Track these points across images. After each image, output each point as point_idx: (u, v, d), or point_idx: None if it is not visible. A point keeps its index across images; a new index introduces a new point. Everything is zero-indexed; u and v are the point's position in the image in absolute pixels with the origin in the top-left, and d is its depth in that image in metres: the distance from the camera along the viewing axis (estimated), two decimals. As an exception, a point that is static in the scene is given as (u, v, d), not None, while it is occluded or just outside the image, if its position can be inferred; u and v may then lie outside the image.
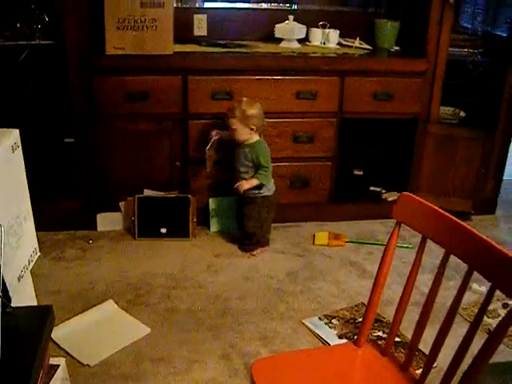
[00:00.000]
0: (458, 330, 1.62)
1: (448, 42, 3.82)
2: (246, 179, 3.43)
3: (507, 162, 4.23)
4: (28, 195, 1.89)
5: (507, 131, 4.06)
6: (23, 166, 1.84)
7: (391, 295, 3.00)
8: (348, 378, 1.85)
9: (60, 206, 3.66)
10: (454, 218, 1.68)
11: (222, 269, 3.37)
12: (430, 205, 1.76)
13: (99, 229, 3.72)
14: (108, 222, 3.72)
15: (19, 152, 1.80)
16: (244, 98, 3.39)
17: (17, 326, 1.44)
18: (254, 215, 3.50)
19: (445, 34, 3.79)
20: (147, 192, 3.65)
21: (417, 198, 1.79)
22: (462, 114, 4.18)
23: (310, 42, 3.97)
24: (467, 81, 4.13)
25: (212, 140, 3.51)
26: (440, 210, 1.73)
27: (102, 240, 3.63)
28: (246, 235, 3.57)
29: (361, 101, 3.72)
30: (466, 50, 4.07)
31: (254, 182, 3.42)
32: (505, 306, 3.21)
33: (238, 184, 3.44)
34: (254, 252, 3.56)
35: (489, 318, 3.11)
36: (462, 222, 1.66)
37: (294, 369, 1.86)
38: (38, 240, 1.95)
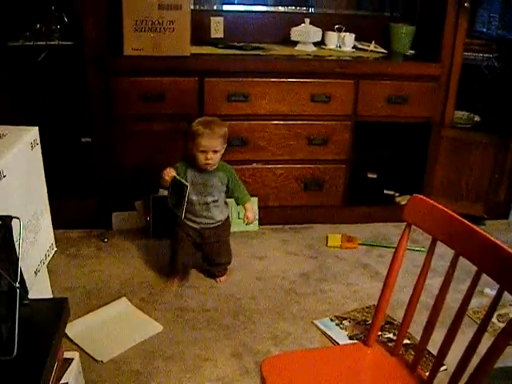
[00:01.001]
0: (469, 334, 1.63)
1: (463, 46, 3.83)
2: (218, 207, 3.14)
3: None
4: (46, 191, 1.93)
5: (521, 136, 4.07)
6: (41, 163, 1.88)
7: (403, 298, 3.00)
8: (357, 377, 1.87)
9: (76, 205, 3.70)
10: (463, 219, 1.70)
11: (234, 269, 3.40)
12: (441, 207, 1.77)
13: (114, 227, 3.76)
14: (123, 220, 3.77)
15: (38, 149, 1.84)
16: (201, 119, 3.06)
17: (33, 318, 1.47)
18: (228, 239, 3.31)
19: (460, 38, 3.80)
20: (162, 192, 3.68)
21: (427, 199, 1.81)
22: (477, 118, 4.19)
23: (325, 45, 4.00)
24: (482, 85, 4.14)
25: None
26: (450, 212, 1.75)
27: (116, 238, 3.67)
28: (224, 265, 3.32)
29: (375, 104, 3.74)
30: (481, 54, 4.07)
31: (253, 205, 3.34)
32: (516, 310, 3.22)
33: (249, 220, 3.17)
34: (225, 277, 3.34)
35: (500, 321, 3.11)
36: (472, 224, 1.68)
37: (303, 367, 1.88)
38: (53, 237, 1.99)
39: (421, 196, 1.83)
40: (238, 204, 3.22)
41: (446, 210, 1.76)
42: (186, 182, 3.01)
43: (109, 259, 3.45)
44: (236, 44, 3.86)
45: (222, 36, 3.99)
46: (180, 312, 2.99)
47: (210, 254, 3.24)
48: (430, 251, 1.79)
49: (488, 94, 4.19)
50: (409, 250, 3.21)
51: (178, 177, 3.02)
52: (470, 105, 4.21)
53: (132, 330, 2.83)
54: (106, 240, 3.62)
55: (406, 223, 1.86)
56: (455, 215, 1.73)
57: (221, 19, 3.98)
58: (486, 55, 4.08)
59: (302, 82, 3.61)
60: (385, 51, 4.02)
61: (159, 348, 2.72)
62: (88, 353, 2.63)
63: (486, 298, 3.11)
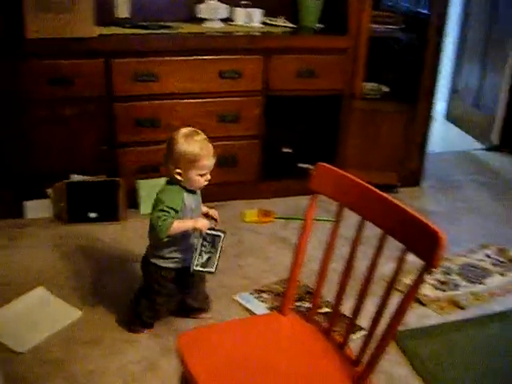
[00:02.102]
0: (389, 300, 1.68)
1: (369, 19, 3.89)
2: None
3: (431, 135, 4.36)
4: None
5: (428, 104, 4.17)
6: None
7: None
8: (273, 345, 1.89)
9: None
10: (367, 185, 1.74)
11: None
12: (345, 174, 1.81)
13: (28, 216, 3.67)
14: (37, 209, 3.68)
15: None
16: (188, 141, 2.41)
17: None
18: None
19: (366, 11, 3.86)
20: (75, 177, 3.61)
21: (332, 167, 1.84)
22: (385, 89, 4.27)
23: (233, 21, 3.98)
24: (390, 57, 4.22)
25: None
26: (354, 178, 1.78)
27: (31, 227, 3.58)
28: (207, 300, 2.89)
29: (285, 79, 3.76)
30: (388, 26, 4.14)
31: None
32: (431, 272, 3.31)
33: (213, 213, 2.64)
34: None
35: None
36: (376, 189, 1.71)
37: (220, 339, 1.89)
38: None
39: (326, 164, 1.86)
40: None
41: (350, 176, 1.79)
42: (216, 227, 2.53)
43: (23, 249, 3.36)
44: (143, 23, 3.80)
45: (128, 16, 3.92)
46: (99, 297, 2.95)
47: (197, 294, 2.79)
48: (337, 218, 1.82)
49: (395, 65, 4.27)
50: (326, 220, 3.26)
51: (212, 226, 2.51)
52: (378, 76, 4.29)
53: (51, 318, 2.78)
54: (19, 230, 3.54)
55: (323, 196, 1.88)
56: (359, 181, 1.77)
57: (126, -3, 3.91)
58: (393, 27, 4.15)
59: (211, 59, 3.60)
60: (293, 26, 4.04)
61: (80, 334, 2.68)
62: (7, 345, 2.57)
63: (405, 263, 3.19)
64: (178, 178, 2.42)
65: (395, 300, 1.63)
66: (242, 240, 3.51)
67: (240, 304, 2.93)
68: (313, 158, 4.20)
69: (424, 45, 4.05)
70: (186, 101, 3.63)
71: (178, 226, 2.39)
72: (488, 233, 3.85)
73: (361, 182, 1.75)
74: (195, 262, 2.47)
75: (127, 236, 3.52)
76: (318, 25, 4.09)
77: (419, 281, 1.55)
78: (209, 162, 2.45)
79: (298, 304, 2.89)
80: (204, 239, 2.46)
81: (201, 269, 2.50)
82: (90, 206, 3.63)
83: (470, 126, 5.70)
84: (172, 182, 2.46)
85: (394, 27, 4.14)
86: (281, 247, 3.45)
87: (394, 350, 2.71)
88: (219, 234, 2.48)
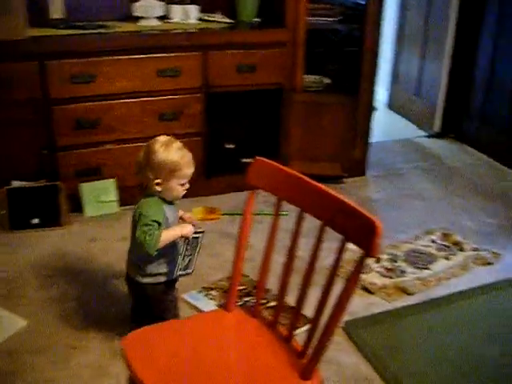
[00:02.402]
0: (335, 289, 1.68)
1: (306, 11, 3.90)
2: None
3: (374, 125, 4.40)
4: None
5: (369, 94, 4.20)
6: None
7: (270, 263, 3.05)
8: (219, 341, 1.89)
9: None
10: (304, 177, 1.74)
11: (97, 253, 3.33)
12: (282, 167, 1.81)
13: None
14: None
15: None
16: (167, 150, 2.32)
17: None
18: None
19: (302, 4, 3.87)
20: (15, 183, 3.54)
21: (269, 161, 1.84)
22: (327, 80, 4.29)
23: (169, 19, 3.94)
24: (331, 49, 4.24)
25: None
26: (291, 171, 1.78)
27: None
28: None
29: (225, 74, 3.75)
30: (326, 18, 4.16)
31: None
32: (377, 260, 3.34)
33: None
34: None
35: (364, 273, 3.23)
36: (312, 180, 1.72)
37: (166, 339, 1.88)
38: None
39: (262, 159, 1.86)
40: None
41: (287, 169, 1.79)
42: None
43: (-36, 258, 3.29)
44: (78, 23, 3.73)
45: (62, 16, 3.85)
46: (45, 304, 2.90)
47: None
48: (276, 211, 1.82)
49: (336, 57, 4.30)
50: (267, 214, 3.24)
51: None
52: (320, 68, 4.31)
53: (-7, 329, 2.72)
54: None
55: (251, 187, 1.88)
56: (296, 174, 1.77)
57: (60, -1, 3.85)
58: (331, 19, 4.17)
59: (148, 57, 3.57)
60: (231, 21, 4.03)
61: (25, 343, 2.63)
62: None
63: (349, 252, 3.21)
64: (158, 188, 2.33)
65: (340, 290, 1.63)
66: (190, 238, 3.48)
67: (188, 303, 2.91)
68: (256, 152, 4.20)
69: (363, 35, 4.08)
70: (125, 101, 3.59)
71: (166, 237, 2.30)
72: (432, 218, 3.91)
73: (298, 174, 1.75)
74: (179, 266, 2.43)
75: (71, 240, 3.47)
76: (255, 19, 4.08)
77: (359, 269, 1.56)
78: (189, 170, 2.38)
79: (246, 299, 2.89)
80: (188, 244, 2.41)
81: (182, 272, 2.46)
82: (32, 212, 3.56)
83: (412, 114, 5.77)
84: (148, 193, 2.37)
85: (332, 19, 4.16)
86: (228, 243, 3.44)
87: (343, 340, 2.73)
88: (200, 235, 2.43)
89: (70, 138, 3.54)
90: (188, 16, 3.92)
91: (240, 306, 2.82)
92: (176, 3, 3.95)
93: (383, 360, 2.64)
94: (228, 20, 4.02)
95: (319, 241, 1.69)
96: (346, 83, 4.26)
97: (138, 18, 3.83)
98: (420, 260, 3.39)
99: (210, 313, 2.06)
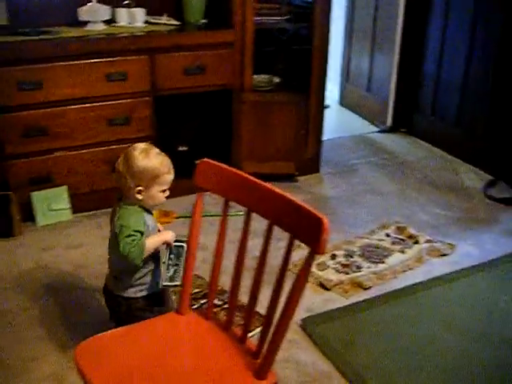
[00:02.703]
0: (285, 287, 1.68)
1: (253, 11, 3.90)
2: None
3: (326, 122, 4.43)
4: None
5: (320, 92, 4.22)
6: None
7: (226, 264, 3.04)
8: (173, 346, 1.88)
9: None
10: (250, 177, 1.74)
11: (51, 262, 3.29)
12: (228, 168, 1.80)
13: None
14: None
15: None
16: (147, 157, 2.28)
17: None
18: None
19: (249, 4, 3.86)
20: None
21: (214, 162, 1.83)
22: (277, 79, 4.30)
23: (116, 22, 3.91)
24: (281, 48, 4.24)
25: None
26: (237, 171, 1.78)
27: None
28: None
29: (173, 77, 3.73)
30: (274, 18, 4.16)
31: None
32: (332, 256, 3.36)
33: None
34: None
35: (319, 270, 3.24)
36: (258, 180, 1.71)
37: (119, 346, 1.86)
38: None
39: (208, 160, 1.86)
40: None
41: (233, 170, 1.79)
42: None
43: None
44: (23, 30, 3.67)
45: (6, 23, 3.77)
46: (-1, 316, 2.86)
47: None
48: (224, 213, 1.82)
49: (286, 56, 4.30)
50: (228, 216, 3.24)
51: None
52: (270, 67, 4.31)
53: None
54: None
55: (199, 189, 1.88)
56: (242, 174, 1.77)
57: (3, 4, 3.76)
58: (279, 18, 4.17)
59: (95, 62, 3.52)
60: (178, 23, 4.00)
61: (-21, 360, 2.59)
62: None
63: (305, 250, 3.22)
64: (139, 196, 2.26)
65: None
66: (144, 243, 3.46)
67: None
68: (209, 154, 4.19)
69: (311, 34, 4.10)
70: (73, 107, 3.54)
71: (150, 245, 2.23)
72: (387, 212, 3.95)
73: (243, 174, 1.75)
74: (164, 277, 2.32)
75: (25, 250, 3.41)
76: (202, 20, 4.07)
77: (307, 266, 1.56)
78: (170, 175, 2.31)
79: (203, 302, 2.87)
80: (171, 252, 2.32)
81: (169, 283, 2.32)
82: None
83: (364, 110, 5.82)
84: (128, 203, 2.30)
85: (280, 18, 4.17)
86: (183, 246, 3.43)
87: (300, 337, 2.74)
88: (183, 244, 2.31)
89: (18, 146, 3.48)
90: (134, 19, 3.89)
91: (196, 308, 2.82)
92: (122, 7, 3.91)
93: (342, 355, 2.65)
94: (175, 22, 4.00)
95: (268, 240, 1.69)
96: (297, 81, 4.28)
97: (84, 23, 3.78)
98: (375, 254, 3.42)
99: (163, 317, 2.03)
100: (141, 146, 2.30)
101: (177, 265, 2.31)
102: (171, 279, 2.30)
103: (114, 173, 2.32)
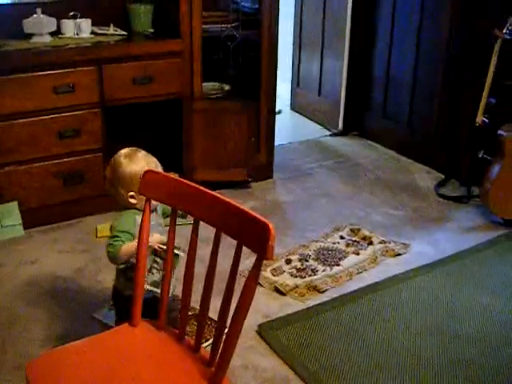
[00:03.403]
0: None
1: (200, 20, 3.90)
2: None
3: (278, 127, 4.45)
4: None
5: (270, 97, 4.24)
6: None
7: (178, 273, 3.03)
8: (126, 359, 1.85)
9: None
10: (196, 185, 1.74)
11: (4, 278, 3.23)
12: (173, 176, 1.80)
13: None
14: None
15: None
16: (126, 151, 2.39)
17: None
18: None
19: (196, 12, 3.86)
20: None
21: (158, 172, 1.83)
22: (227, 87, 4.30)
23: (62, 34, 3.86)
24: (228, 55, 4.25)
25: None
26: (182, 180, 1.78)
27: None
28: None
29: (123, 87, 3.70)
30: (223, 25, 4.17)
31: None
32: (288, 261, 3.37)
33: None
34: None
35: (274, 275, 3.25)
36: (204, 188, 1.72)
37: (72, 362, 1.83)
38: None
39: (153, 170, 1.86)
40: None
41: (178, 179, 1.79)
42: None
43: None
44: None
45: None
46: None
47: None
48: (172, 223, 1.82)
49: (234, 63, 4.31)
50: (179, 225, 3.23)
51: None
52: (219, 75, 4.31)
53: None
54: None
55: (146, 198, 1.87)
56: (188, 182, 1.77)
57: None
58: (227, 26, 4.18)
59: (42, 75, 3.47)
60: (125, 33, 3.97)
61: None
62: None
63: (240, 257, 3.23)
64: (133, 201, 2.30)
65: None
66: (98, 256, 3.41)
67: (99, 321, 2.86)
68: (161, 164, 4.18)
69: (260, 40, 4.12)
70: (21, 120, 3.48)
71: (127, 247, 2.23)
72: (341, 215, 3.98)
73: (188, 182, 1.75)
74: (147, 280, 2.26)
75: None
76: (150, 30, 4.05)
77: (255, 273, 1.56)
78: None
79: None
80: (155, 255, 2.30)
81: (152, 288, 2.28)
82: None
83: (315, 114, 5.85)
84: (125, 207, 2.34)
85: (228, 25, 4.17)
86: (138, 257, 3.40)
87: (257, 343, 2.74)
88: (179, 252, 2.27)
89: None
90: (81, 30, 3.85)
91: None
92: (68, 18, 3.87)
93: (300, 359, 2.66)
94: (122, 32, 3.97)
95: (216, 247, 1.69)
96: (247, 88, 4.29)
97: (29, 35, 3.74)
98: (330, 257, 3.44)
99: (115, 330, 2.02)
100: (124, 151, 2.35)
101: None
102: (156, 285, 2.29)
103: (104, 181, 2.37)
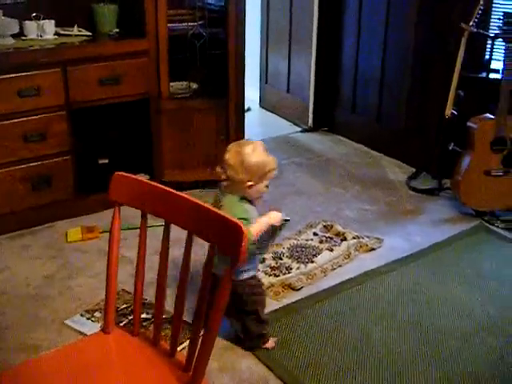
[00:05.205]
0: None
1: (166, 18, 3.85)
2: None
3: (247, 125, 4.41)
4: None
5: (239, 95, 4.20)
6: None
7: (154, 276, 2.98)
8: (100, 367, 1.80)
9: None
10: (165, 188, 1.70)
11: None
12: (143, 179, 1.77)
13: None
14: None
15: None
16: (248, 143, 2.49)
17: None
18: None
19: (161, 11, 3.82)
20: None
21: (128, 175, 1.79)
22: (194, 86, 4.26)
23: (25, 36, 3.78)
24: (195, 54, 4.20)
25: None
26: (151, 183, 1.74)
27: None
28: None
29: (88, 89, 3.64)
30: (189, 23, 4.12)
31: None
32: (261, 260, 3.33)
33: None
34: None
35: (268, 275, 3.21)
36: (173, 190, 1.68)
37: (46, 372, 1.78)
38: None
39: (122, 173, 1.81)
40: None
41: (147, 181, 1.75)
42: None
43: None
44: None
45: None
46: None
47: None
48: (143, 226, 1.78)
49: (201, 61, 4.27)
50: (151, 227, 3.18)
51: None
52: (186, 74, 4.27)
53: None
54: None
55: (115, 203, 1.83)
56: (157, 185, 1.73)
57: None
58: (193, 24, 4.14)
59: (6, 78, 3.39)
60: (89, 33, 3.91)
61: None
62: None
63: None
64: (248, 190, 2.44)
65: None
66: (69, 261, 3.36)
67: (72, 328, 2.81)
68: (130, 165, 4.12)
69: (227, 38, 4.08)
70: (-15, 125, 3.42)
71: (256, 228, 2.39)
72: (313, 211, 3.96)
73: (158, 185, 1.71)
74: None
75: None
76: (115, 30, 3.99)
77: (229, 275, 1.53)
78: (276, 171, 2.51)
79: (131, 317, 2.80)
80: (280, 229, 2.55)
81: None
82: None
83: (285, 111, 5.84)
84: (229, 192, 2.48)
85: (194, 24, 4.13)
86: (109, 261, 3.35)
87: (234, 344, 2.71)
88: (288, 218, 2.56)
89: None
90: (44, 32, 3.77)
91: (126, 324, 2.76)
92: (31, 19, 3.79)
93: (277, 359, 2.64)
94: (86, 33, 3.91)
95: (188, 250, 1.66)
96: (215, 87, 4.25)
97: (-9, 38, 3.66)
98: (304, 254, 3.42)
99: (88, 338, 1.98)
100: (248, 142, 2.49)
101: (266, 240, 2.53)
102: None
103: (218, 166, 2.48)
